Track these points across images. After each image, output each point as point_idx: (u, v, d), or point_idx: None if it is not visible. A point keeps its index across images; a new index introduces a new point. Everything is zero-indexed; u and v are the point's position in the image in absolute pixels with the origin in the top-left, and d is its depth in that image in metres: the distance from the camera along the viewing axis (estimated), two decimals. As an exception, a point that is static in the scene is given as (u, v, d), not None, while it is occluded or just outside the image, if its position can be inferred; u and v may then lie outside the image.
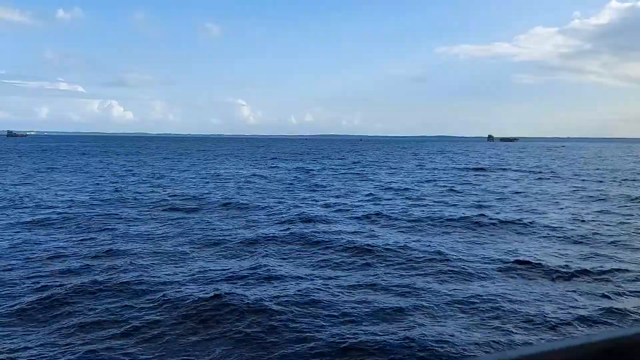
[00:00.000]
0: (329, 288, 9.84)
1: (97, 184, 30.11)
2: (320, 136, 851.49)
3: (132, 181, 32.17)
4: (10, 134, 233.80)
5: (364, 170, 44.87)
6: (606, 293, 9.64)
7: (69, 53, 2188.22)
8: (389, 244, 13.40)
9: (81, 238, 14.40)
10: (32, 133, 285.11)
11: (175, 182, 32.09)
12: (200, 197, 23.59)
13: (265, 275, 10.70)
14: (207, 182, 31.93)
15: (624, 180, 35.07)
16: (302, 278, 10.59)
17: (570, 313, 8.57)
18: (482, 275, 10.84)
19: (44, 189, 26.79)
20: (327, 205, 21.45)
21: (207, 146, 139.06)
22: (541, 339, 7.63)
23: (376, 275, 10.82)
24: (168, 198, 23.04)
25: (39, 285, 9.98)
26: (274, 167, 49.92)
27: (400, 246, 13.22)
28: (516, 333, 7.80)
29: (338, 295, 9.47)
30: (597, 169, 47.11)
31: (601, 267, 11.34)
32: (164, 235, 14.99)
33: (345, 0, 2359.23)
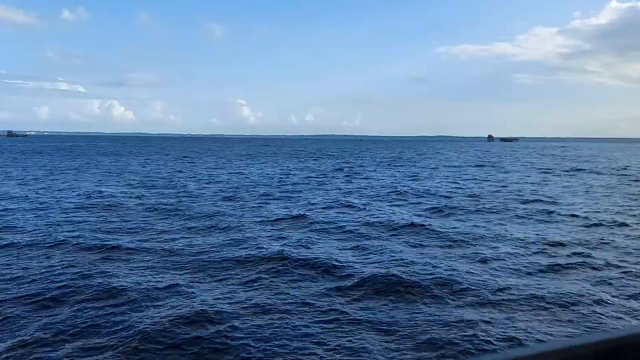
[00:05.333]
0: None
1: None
2: (320, 136, 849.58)
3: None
4: (10, 134, 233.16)
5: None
6: None
7: (71, 53, 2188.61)
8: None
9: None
10: (32, 133, 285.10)
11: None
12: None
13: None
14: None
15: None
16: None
17: None
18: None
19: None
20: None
21: (226, 146, 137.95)
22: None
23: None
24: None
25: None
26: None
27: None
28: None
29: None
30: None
31: None
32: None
33: (346, 1, 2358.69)
